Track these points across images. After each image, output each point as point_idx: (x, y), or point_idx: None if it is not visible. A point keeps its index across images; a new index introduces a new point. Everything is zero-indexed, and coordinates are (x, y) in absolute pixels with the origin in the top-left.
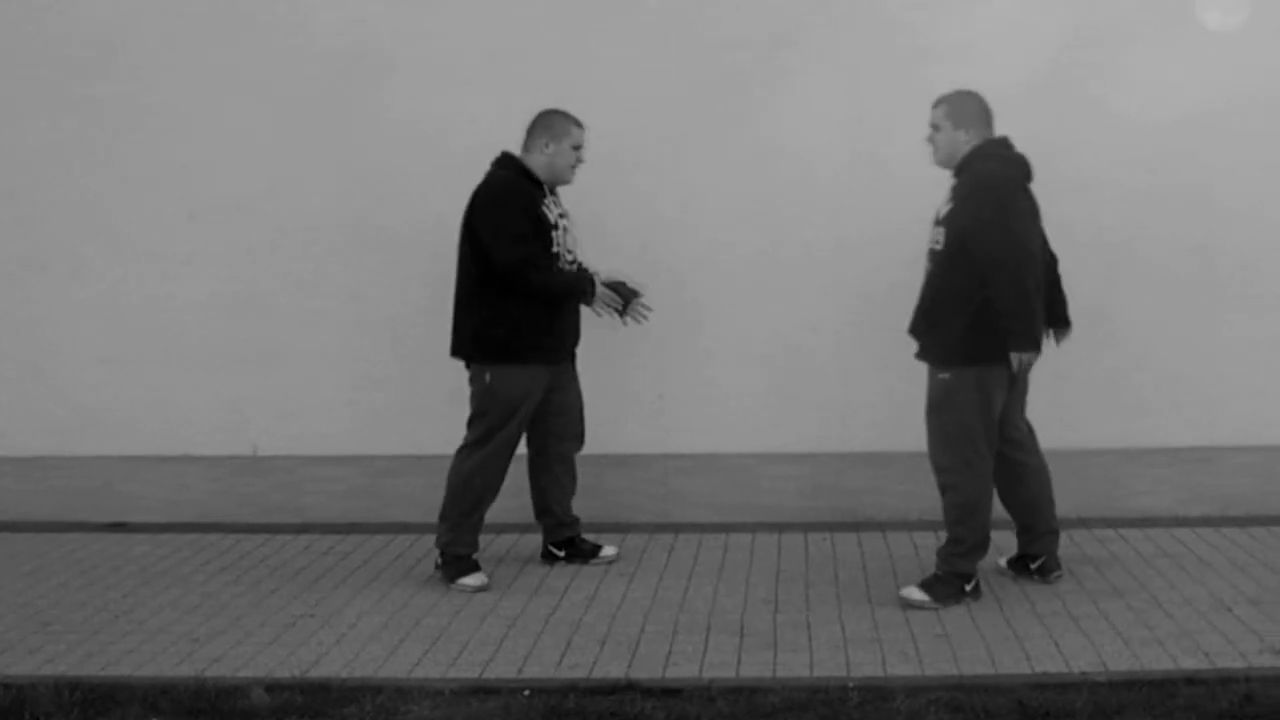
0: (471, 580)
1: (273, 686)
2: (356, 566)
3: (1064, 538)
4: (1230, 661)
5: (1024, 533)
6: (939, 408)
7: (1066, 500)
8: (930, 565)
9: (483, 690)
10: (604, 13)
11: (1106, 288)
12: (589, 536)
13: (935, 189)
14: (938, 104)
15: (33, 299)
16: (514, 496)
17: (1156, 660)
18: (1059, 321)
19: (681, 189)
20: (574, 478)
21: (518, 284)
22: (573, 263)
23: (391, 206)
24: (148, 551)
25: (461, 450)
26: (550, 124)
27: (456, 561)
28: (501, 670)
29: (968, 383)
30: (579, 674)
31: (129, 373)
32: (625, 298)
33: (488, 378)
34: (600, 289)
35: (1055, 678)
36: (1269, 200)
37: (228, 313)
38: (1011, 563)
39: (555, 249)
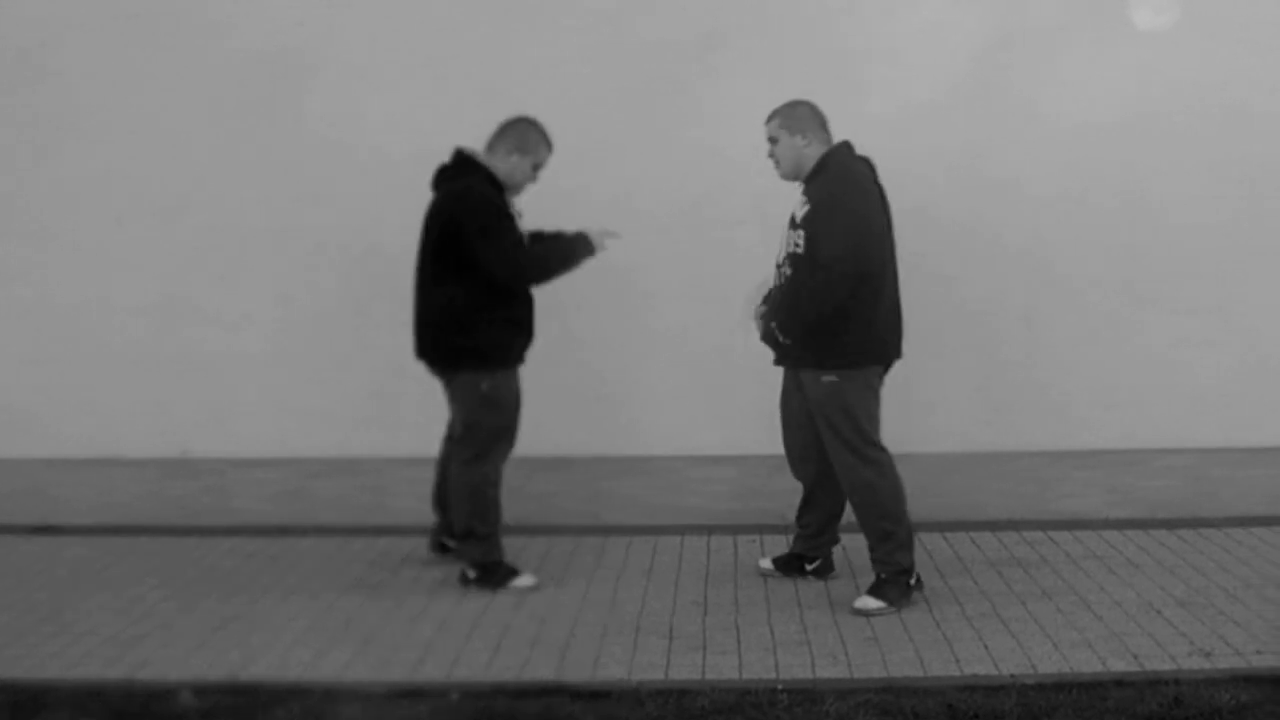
0: (524, 581)
1: (202, 689)
2: (286, 569)
3: (993, 539)
4: (1159, 664)
5: (814, 535)
6: (829, 412)
7: (995, 502)
8: (859, 566)
9: (412, 693)
10: (533, 14)
11: (1034, 291)
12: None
13: None
14: (770, 118)
15: None
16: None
17: (1085, 663)
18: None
19: (612, 190)
20: None
21: (526, 285)
22: None
23: (319, 209)
24: (76, 554)
25: (465, 465)
26: (525, 137)
27: (497, 567)
28: (431, 673)
29: (856, 383)
30: (508, 676)
31: (57, 375)
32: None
33: (484, 386)
34: (592, 233)
35: (984, 680)
36: (1196, 204)
37: (156, 315)
38: (780, 561)
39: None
